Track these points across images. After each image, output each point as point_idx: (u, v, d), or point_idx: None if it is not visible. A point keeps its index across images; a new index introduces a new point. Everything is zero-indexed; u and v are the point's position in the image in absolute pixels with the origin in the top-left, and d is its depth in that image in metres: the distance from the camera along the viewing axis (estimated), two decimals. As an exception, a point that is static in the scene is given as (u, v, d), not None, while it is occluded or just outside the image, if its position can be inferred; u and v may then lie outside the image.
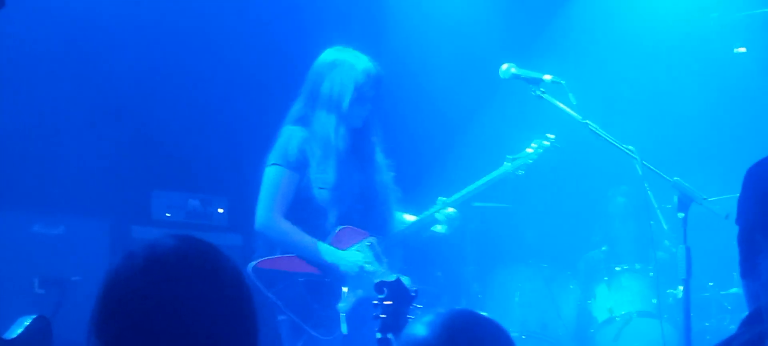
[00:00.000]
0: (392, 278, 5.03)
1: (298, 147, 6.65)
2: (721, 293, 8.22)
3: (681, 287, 5.82)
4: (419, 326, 3.05)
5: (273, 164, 6.70)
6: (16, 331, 4.51)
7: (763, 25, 9.66)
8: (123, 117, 8.31)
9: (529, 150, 7.24)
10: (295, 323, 6.51)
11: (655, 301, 8.01)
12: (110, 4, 8.28)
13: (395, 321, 4.90)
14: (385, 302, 4.95)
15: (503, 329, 3.09)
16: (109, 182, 8.18)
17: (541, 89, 6.48)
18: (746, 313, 2.97)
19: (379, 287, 4.97)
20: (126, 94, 8.28)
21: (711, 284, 8.26)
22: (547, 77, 6.48)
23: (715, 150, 9.23)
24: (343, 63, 6.72)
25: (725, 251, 8.25)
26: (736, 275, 8.18)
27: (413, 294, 5.02)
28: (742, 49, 9.79)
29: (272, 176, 6.69)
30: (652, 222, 6.62)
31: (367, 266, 6.69)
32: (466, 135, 9.43)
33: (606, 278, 8.43)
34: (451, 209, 7.01)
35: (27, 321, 4.55)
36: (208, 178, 8.52)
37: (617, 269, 8.47)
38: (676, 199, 5.82)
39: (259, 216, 6.68)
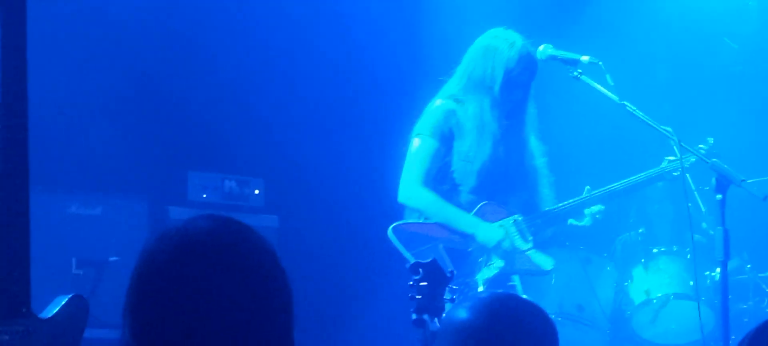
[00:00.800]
0: (428, 259, 5.02)
1: (445, 119, 6.73)
2: (759, 275, 8.17)
3: (718, 269, 5.80)
4: (461, 310, 3.06)
5: (417, 135, 6.77)
6: (53, 310, 4.53)
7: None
8: (159, 97, 8.33)
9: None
10: None
11: (692, 283, 7.96)
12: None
13: (431, 302, 4.90)
14: (420, 283, 4.94)
15: (543, 311, 3.09)
16: (146, 162, 8.20)
17: (579, 70, 6.46)
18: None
19: (414, 268, 4.96)
20: (163, 74, 8.30)
21: (749, 266, 8.21)
22: (585, 58, 6.46)
23: (754, 131, 9.16)
24: (497, 46, 6.73)
25: (763, 233, 8.25)
26: (774, 257, 8.14)
27: (449, 276, 5.01)
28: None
29: (414, 147, 6.77)
30: (689, 204, 6.57)
31: (505, 242, 6.72)
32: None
33: (643, 260, 8.39)
34: (598, 206, 7.04)
35: (64, 300, 4.57)
36: (245, 159, 8.53)
37: (654, 250, 8.43)
38: (714, 180, 5.80)
39: (401, 187, 6.78)
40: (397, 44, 9.20)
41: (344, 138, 9.01)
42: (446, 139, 6.67)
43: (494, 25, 6.93)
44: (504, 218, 6.76)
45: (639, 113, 6.21)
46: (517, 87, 6.70)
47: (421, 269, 4.96)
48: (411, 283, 4.98)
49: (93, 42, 8.14)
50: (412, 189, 6.66)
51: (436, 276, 4.95)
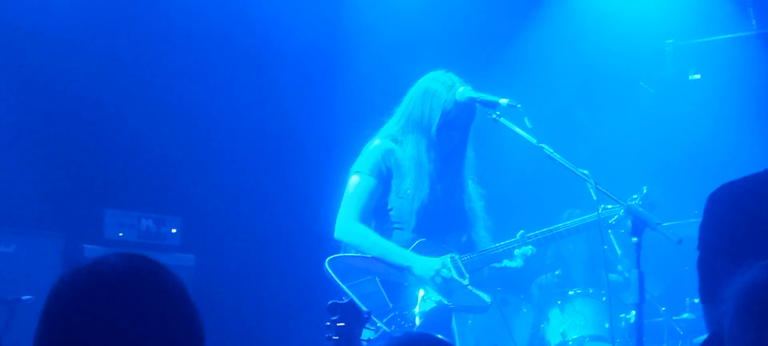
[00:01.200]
0: (345, 299, 5.01)
1: (383, 158, 6.73)
2: (674, 318, 8.25)
3: (633, 312, 5.83)
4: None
5: (356, 172, 6.76)
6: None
7: (718, 53, 9.74)
8: (76, 135, 8.24)
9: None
10: None
11: (607, 325, 8.02)
12: (62, 20, 8.21)
13: (347, 343, 4.88)
14: (338, 324, 4.92)
15: None
16: (61, 199, 8.10)
17: (498, 112, 6.49)
18: (700, 337, 2.99)
19: (332, 308, 4.94)
20: (80, 112, 8.21)
21: (663, 308, 8.29)
22: (504, 101, 6.49)
23: (669, 175, 9.28)
24: (436, 89, 6.73)
25: (678, 276, 8.34)
26: (688, 299, 8.22)
27: (366, 316, 5.00)
28: (697, 76, 9.86)
29: (352, 184, 6.75)
30: (605, 246, 6.62)
31: (443, 271, 6.67)
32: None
33: (559, 302, 8.45)
34: (530, 247, 6.97)
35: (-25, 341, 4.49)
36: (162, 197, 8.47)
37: (570, 292, 8.49)
38: (629, 223, 5.84)
39: (337, 223, 6.73)
40: (316, 83, 9.21)
41: (262, 177, 8.98)
42: (384, 178, 6.68)
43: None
44: (441, 254, 6.77)
45: (557, 156, 6.24)
46: (454, 129, 6.72)
47: (338, 310, 4.95)
48: (328, 324, 4.96)
49: (7, 77, 8.03)
50: (348, 225, 6.65)
51: (353, 317, 4.93)
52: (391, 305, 6.50)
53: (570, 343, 8.28)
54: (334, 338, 4.91)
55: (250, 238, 8.92)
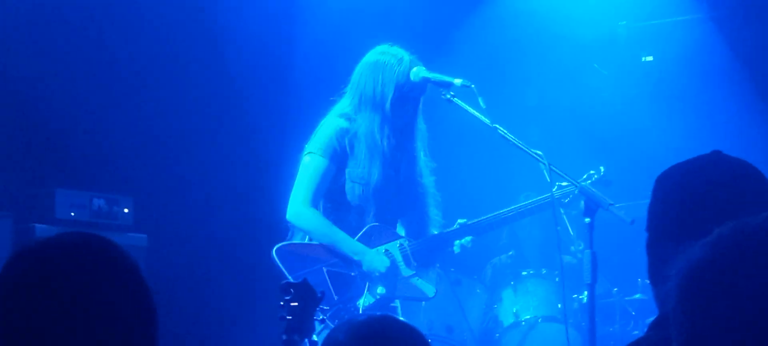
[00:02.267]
0: (299, 280, 5.00)
1: (338, 138, 6.63)
2: (626, 298, 8.30)
3: (586, 292, 5.86)
4: (337, 333, 3.05)
5: (308, 153, 6.66)
6: None
7: (671, 34, 9.79)
8: (27, 114, 8.16)
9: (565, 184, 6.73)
10: None
11: (560, 306, 8.06)
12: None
13: (301, 323, 4.88)
14: (291, 304, 4.92)
15: (420, 333, 3.10)
16: (11, 179, 8.03)
17: (451, 93, 6.48)
18: (652, 317, 3.00)
19: (285, 288, 4.94)
20: (30, 89, 8.13)
21: (615, 289, 8.34)
22: (457, 81, 6.48)
23: (622, 156, 9.32)
24: (386, 62, 6.69)
25: (630, 257, 8.39)
26: (640, 280, 8.27)
27: (319, 296, 4.99)
28: (650, 58, 9.92)
29: (307, 165, 6.65)
30: (558, 227, 6.65)
31: (391, 270, 6.67)
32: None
33: (512, 283, 8.47)
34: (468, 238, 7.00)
35: None
36: (114, 177, 8.41)
37: (523, 273, 8.52)
38: (582, 204, 5.86)
39: (290, 205, 6.63)
40: (269, 60, 9.19)
41: (215, 156, 8.94)
42: (338, 158, 6.60)
43: (370, 46, 6.93)
44: (391, 241, 6.75)
45: (510, 136, 6.25)
46: (407, 103, 6.70)
47: (292, 290, 4.94)
48: (282, 303, 4.96)
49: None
50: (300, 208, 6.58)
51: (307, 297, 4.93)
52: (336, 298, 6.47)
53: (523, 323, 8.31)
54: (287, 317, 4.91)
55: (204, 218, 8.89)
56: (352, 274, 6.59)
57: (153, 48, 8.68)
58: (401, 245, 6.75)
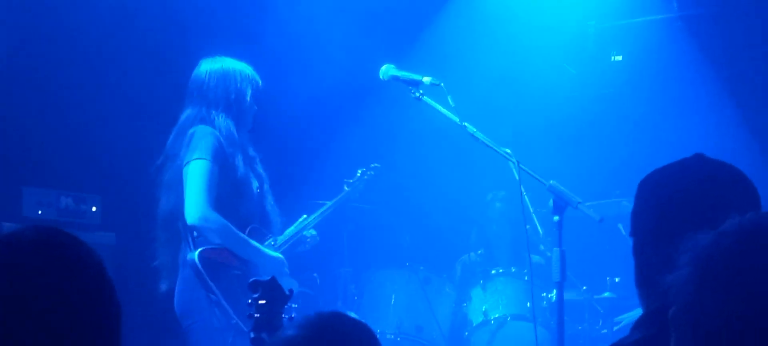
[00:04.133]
0: (267, 277, 4.99)
1: (218, 143, 6.65)
2: (595, 296, 8.32)
3: (555, 291, 5.87)
4: (289, 328, 3.08)
5: (199, 159, 6.62)
6: None
7: (640, 34, 9.83)
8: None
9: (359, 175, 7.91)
10: (227, 315, 6.42)
11: (529, 304, 8.07)
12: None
13: (269, 321, 4.86)
14: (259, 302, 4.90)
15: (370, 330, 3.13)
16: (-23, 177, 7.98)
17: (420, 91, 6.49)
18: (622, 315, 3.05)
19: (253, 285, 4.92)
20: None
21: (584, 287, 8.35)
22: (426, 79, 6.49)
23: (591, 155, 9.35)
24: (234, 69, 6.91)
25: (599, 255, 8.41)
26: (608, 279, 8.28)
27: (288, 293, 4.98)
28: (619, 58, 9.95)
29: (201, 170, 6.61)
30: (527, 226, 6.66)
31: (285, 269, 6.78)
32: (341, 139, 9.46)
33: (481, 281, 8.49)
34: (312, 231, 7.32)
35: None
36: (81, 175, 8.36)
37: (493, 272, 8.53)
38: (551, 202, 5.86)
39: (194, 209, 6.56)
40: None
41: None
42: (221, 162, 6.64)
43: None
44: (266, 239, 6.82)
45: (479, 135, 6.25)
46: (254, 105, 6.94)
47: (259, 288, 4.92)
48: (249, 301, 4.94)
49: None
50: (206, 212, 6.54)
51: (275, 294, 4.91)
52: (295, 306, 6.47)
53: (492, 322, 8.32)
54: (255, 315, 4.89)
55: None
56: (253, 273, 6.58)
57: (121, 44, 8.64)
58: (272, 243, 6.83)
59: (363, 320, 3.18)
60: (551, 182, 5.88)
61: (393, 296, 8.30)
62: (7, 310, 2.23)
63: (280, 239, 7.03)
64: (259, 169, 7.01)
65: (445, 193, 8.62)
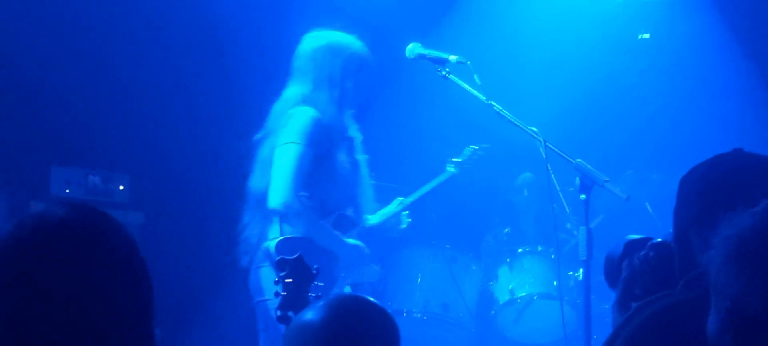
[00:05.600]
0: (294, 256, 5.00)
1: (315, 127, 6.57)
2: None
3: (582, 269, 5.86)
4: (308, 312, 3.10)
5: (291, 142, 6.55)
6: None
7: (667, 12, 9.78)
8: (22, 90, 8.13)
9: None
10: None
11: (556, 283, 8.07)
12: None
13: (296, 299, 4.88)
14: (285, 280, 4.92)
15: (389, 314, 3.15)
16: (6, 156, 8.01)
17: (447, 69, 6.48)
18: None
19: (280, 264, 4.93)
20: (26, 65, 8.10)
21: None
22: (453, 58, 6.48)
23: (619, 134, 9.32)
24: (340, 45, 6.74)
25: (626, 233, 8.39)
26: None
27: (314, 272, 4.99)
28: (646, 36, 9.90)
29: (292, 154, 6.53)
30: (554, 205, 6.65)
31: (363, 256, 6.74)
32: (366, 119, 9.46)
33: (508, 260, 8.49)
34: (406, 212, 7.33)
35: None
36: (110, 154, 8.39)
37: (519, 250, 8.53)
38: (578, 181, 5.84)
39: (279, 195, 6.49)
40: (266, 38, 9.13)
41: (213, 134, 8.92)
42: (315, 146, 6.57)
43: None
44: (352, 228, 6.78)
45: (506, 113, 6.24)
46: (362, 85, 6.76)
47: (287, 266, 4.94)
48: (276, 280, 4.96)
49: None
50: (288, 199, 6.47)
51: (302, 273, 4.93)
52: (321, 284, 6.46)
53: (518, 300, 8.32)
54: (282, 293, 4.91)
55: (200, 195, 8.86)
56: (331, 264, 6.57)
57: (151, 23, 8.65)
58: (359, 232, 6.80)
59: (389, 300, 3.20)
60: (578, 160, 5.86)
61: (419, 275, 8.30)
62: (38, 289, 2.24)
63: (373, 219, 6.99)
64: (359, 151, 6.94)
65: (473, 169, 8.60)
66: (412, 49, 6.63)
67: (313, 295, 4.90)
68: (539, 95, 9.22)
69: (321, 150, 6.58)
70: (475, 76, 6.32)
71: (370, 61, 6.76)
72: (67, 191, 8.01)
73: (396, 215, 7.20)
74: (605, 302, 8.25)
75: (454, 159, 7.77)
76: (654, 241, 3.55)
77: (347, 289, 6.73)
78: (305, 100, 6.66)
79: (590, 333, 5.79)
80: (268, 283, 6.40)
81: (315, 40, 6.80)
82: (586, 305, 5.81)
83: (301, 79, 6.75)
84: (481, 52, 7.64)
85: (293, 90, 6.75)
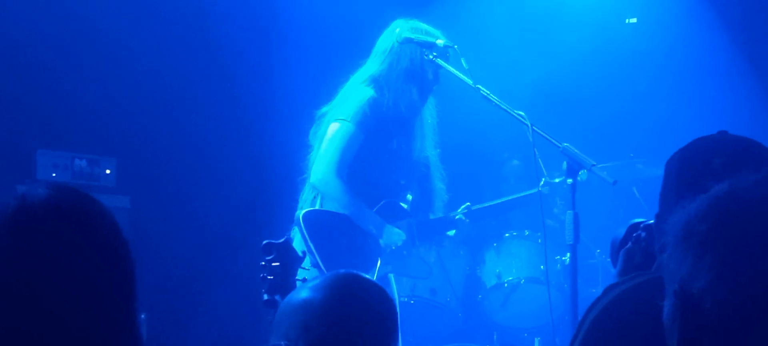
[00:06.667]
0: (280, 239, 4.99)
1: (371, 108, 6.56)
2: (608, 259, 8.30)
3: (568, 254, 5.86)
4: (304, 290, 3.08)
5: (342, 119, 6.57)
6: None
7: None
8: (7, 72, 8.10)
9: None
10: None
11: (543, 267, 8.08)
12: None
13: (283, 283, 4.87)
14: (272, 264, 4.90)
15: (386, 292, 3.13)
16: (-9, 139, 7.98)
17: (434, 53, 6.48)
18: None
19: (267, 248, 4.92)
20: (9, 48, 8.06)
21: (598, 250, 8.35)
22: (440, 42, 6.50)
23: (604, 118, 9.32)
24: (424, 38, 6.65)
25: (612, 218, 8.40)
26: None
27: (301, 256, 4.98)
28: (634, 20, 9.90)
29: (341, 132, 6.56)
30: (541, 189, 6.66)
31: (404, 246, 6.71)
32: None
33: (495, 244, 8.48)
34: (464, 219, 7.18)
35: None
36: (96, 137, 8.36)
37: (506, 235, 8.53)
38: (565, 165, 5.84)
39: (319, 170, 6.55)
40: (257, 25, 9.12)
41: (199, 118, 8.90)
42: (367, 128, 6.54)
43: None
44: (401, 218, 6.77)
45: (493, 97, 6.24)
46: (438, 78, 6.71)
47: (273, 250, 4.93)
48: (263, 263, 4.95)
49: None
50: (329, 176, 6.49)
51: (289, 257, 4.92)
52: (307, 268, 6.44)
53: (505, 284, 8.33)
54: (268, 277, 4.90)
55: (187, 179, 8.85)
56: (368, 249, 6.57)
57: (138, 7, 8.62)
58: (409, 223, 6.78)
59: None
60: (564, 144, 5.86)
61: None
62: (20, 268, 2.24)
63: (433, 216, 7.00)
64: (430, 146, 6.94)
65: (459, 155, 8.59)
66: (399, 33, 6.63)
67: (301, 279, 4.89)
68: (526, 79, 9.22)
69: (375, 133, 6.58)
70: (462, 60, 6.32)
71: (449, 52, 6.66)
72: (54, 175, 7.99)
73: (452, 218, 7.16)
74: (592, 287, 8.28)
75: (547, 179, 7.10)
76: (649, 222, 3.56)
77: (391, 277, 6.75)
78: (372, 81, 6.66)
79: (577, 317, 5.80)
80: None
81: (402, 27, 6.75)
82: (573, 289, 5.82)
83: (376, 61, 6.74)
84: (468, 36, 7.63)
85: (365, 70, 6.75)
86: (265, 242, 4.97)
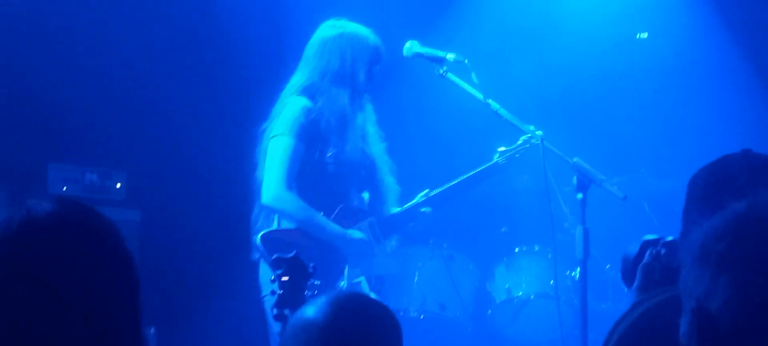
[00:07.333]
0: (290, 254, 5.00)
1: (306, 117, 6.55)
2: (618, 274, 8.27)
3: (578, 269, 5.85)
4: (309, 308, 3.08)
5: (280, 135, 6.56)
6: None
7: (666, 12, 9.76)
8: (18, 88, 8.12)
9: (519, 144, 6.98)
10: None
11: (553, 282, 8.06)
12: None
13: (292, 297, 4.88)
14: (282, 278, 4.91)
15: (388, 309, 3.13)
16: (3, 154, 8.00)
17: (444, 68, 6.49)
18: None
19: (277, 262, 4.93)
20: (21, 62, 8.09)
21: (608, 266, 8.33)
22: (450, 56, 6.50)
23: (615, 133, 9.31)
24: (354, 37, 6.69)
25: (623, 233, 8.38)
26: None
27: (311, 271, 4.99)
28: (644, 35, 9.89)
29: (280, 147, 6.55)
30: (551, 203, 6.65)
31: (368, 250, 6.71)
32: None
33: (505, 259, 8.47)
34: (426, 209, 7.09)
35: None
36: (107, 151, 8.38)
37: (516, 250, 8.51)
38: (575, 180, 5.84)
39: (268, 189, 6.53)
40: (264, 34, 9.11)
41: (211, 133, 8.90)
42: (306, 137, 6.54)
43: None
44: (361, 220, 6.74)
45: (503, 112, 6.25)
46: (374, 77, 6.71)
47: (283, 264, 4.94)
48: (272, 278, 4.95)
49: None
50: (278, 192, 6.48)
51: (298, 271, 4.93)
52: (318, 282, 6.44)
53: (515, 300, 8.31)
54: (278, 292, 4.91)
55: (198, 193, 8.85)
56: (332, 258, 6.56)
57: (148, 19, 8.64)
58: (370, 223, 6.76)
59: (386, 299, 3.19)
60: (575, 159, 5.86)
61: (416, 274, 8.28)
62: (22, 282, 2.23)
63: (393, 211, 6.96)
64: (375, 141, 6.90)
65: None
66: (410, 47, 6.64)
67: (310, 293, 4.90)
68: (536, 95, 9.20)
69: (315, 141, 6.56)
70: (473, 75, 6.33)
71: (384, 54, 6.69)
72: (64, 188, 8.00)
73: (415, 208, 7.10)
74: (602, 302, 8.27)
75: (500, 149, 7.14)
76: (666, 239, 3.56)
77: (362, 280, 6.72)
78: (302, 90, 6.64)
79: (587, 333, 5.79)
80: (264, 278, 6.42)
81: (328, 30, 6.75)
82: (583, 305, 5.81)
83: (306, 68, 6.72)
84: (478, 50, 7.63)
85: (295, 79, 6.73)
86: (275, 256, 4.98)
